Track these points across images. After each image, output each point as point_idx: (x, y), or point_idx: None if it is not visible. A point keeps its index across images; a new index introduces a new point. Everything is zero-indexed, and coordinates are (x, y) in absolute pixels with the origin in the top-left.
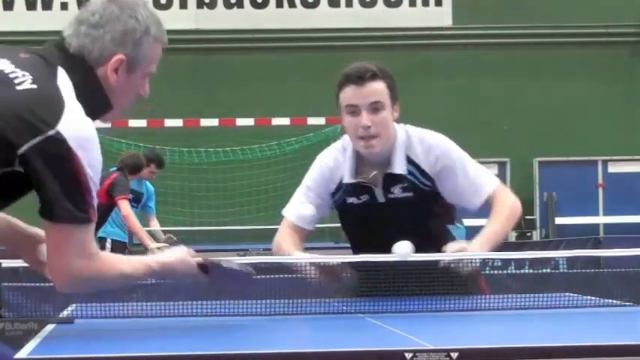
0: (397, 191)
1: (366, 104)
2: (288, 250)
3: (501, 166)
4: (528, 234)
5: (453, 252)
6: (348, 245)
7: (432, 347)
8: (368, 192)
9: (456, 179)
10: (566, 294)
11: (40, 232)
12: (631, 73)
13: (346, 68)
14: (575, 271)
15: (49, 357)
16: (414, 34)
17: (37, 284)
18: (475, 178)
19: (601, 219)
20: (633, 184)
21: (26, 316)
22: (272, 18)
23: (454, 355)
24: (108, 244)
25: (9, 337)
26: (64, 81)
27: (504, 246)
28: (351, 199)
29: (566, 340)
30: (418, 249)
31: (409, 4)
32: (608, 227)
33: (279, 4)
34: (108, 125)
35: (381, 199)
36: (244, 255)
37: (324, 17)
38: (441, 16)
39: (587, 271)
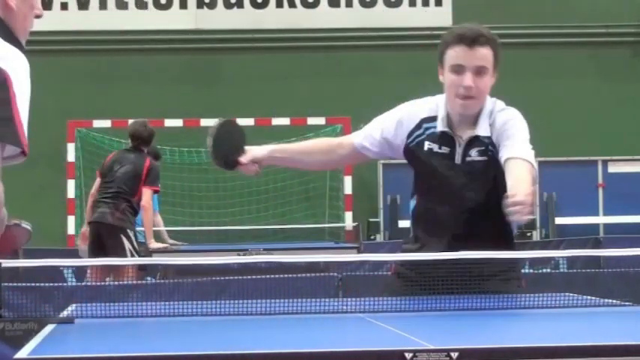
0: (474, 154)
1: (472, 66)
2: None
3: None
4: (528, 234)
5: (517, 202)
6: (349, 245)
7: (432, 347)
8: (451, 147)
9: (505, 134)
10: (566, 294)
11: None
12: (631, 73)
13: (457, 28)
14: (575, 271)
15: (49, 357)
16: (414, 34)
17: (37, 284)
18: (522, 143)
19: (601, 219)
20: (633, 184)
21: (26, 316)
22: (272, 18)
23: (454, 355)
24: None
25: (9, 337)
26: None
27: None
28: (432, 145)
29: (566, 340)
30: (474, 222)
31: (409, 4)
32: (608, 227)
33: (279, 4)
34: (108, 125)
35: (458, 159)
36: (244, 255)
37: (324, 17)
38: (441, 16)
39: (587, 271)
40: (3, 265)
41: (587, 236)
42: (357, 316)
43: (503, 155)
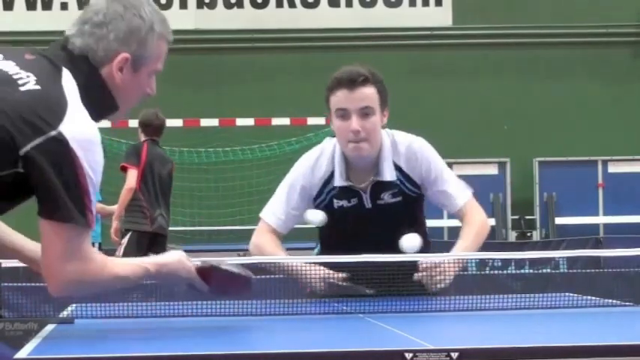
0: (387, 197)
1: (356, 109)
2: (274, 252)
3: (501, 166)
4: (528, 234)
5: (426, 269)
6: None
7: (432, 347)
8: (357, 197)
9: (436, 188)
10: (566, 294)
11: (26, 244)
12: (631, 73)
13: (337, 72)
14: (575, 271)
15: (49, 357)
16: (414, 34)
17: (37, 284)
18: (452, 189)
19: (601, 219)
20: (633, 184)
21: (26, 316)
22: (272, 18)
23: (454, 355)
24: (95, 248)
25: (9, 337)
26: (68, 82)
27: (504, 246)
28: (341, 202)
29: (566, 340)
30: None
31: (409, 4)
32: (608, 227)
33: (279, 4)
34: (108, 125)
35: (368, 204)
36: (244, 255)
37: (324, 17)
38: (441, 16)
39: (588, 271)
40: (3, 265)
41: (588, 236)
42: (357, 316)
43: (452, 206)
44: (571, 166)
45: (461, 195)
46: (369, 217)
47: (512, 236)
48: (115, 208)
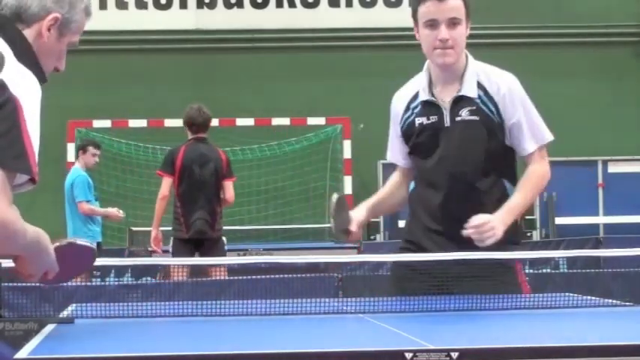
0: (465, 113)
1: (445, 19)
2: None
3: None
4: (528, 234)
5: (475, 226)
6: (348, 245)
7: (432, 347)
8: (438, 113)
9: (516, 113)
10: (566, 294)
11: None
12: (631, 73)
13: None
14: (575, 271)
15: (49, 357)
16: (414, 34)
17: (37, 284)
18: (536, 123)
19: (601, 219)
20: (633, 184)
21: (26, 316)
22: (272, 18)
23: (454, 355)
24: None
25: (9, 337)
26: (3, 47)
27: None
28: (421, 119)
29: (566, 340)
30: (475, 188)
31: (409, 4)
32: (608, 227)
33: (279, 4)
34: (108, 125)
35: (447, 122)
36: (244, 255)
37: (324, 17)
38: None
39: (587, 271)
40: (3, 265)
41: (588, 236)
42: (357, 316)
43: (527, 148)
44: (571, 166)
45: (533, 140)
46: (447, 134)
47: None
48: (107, 210)
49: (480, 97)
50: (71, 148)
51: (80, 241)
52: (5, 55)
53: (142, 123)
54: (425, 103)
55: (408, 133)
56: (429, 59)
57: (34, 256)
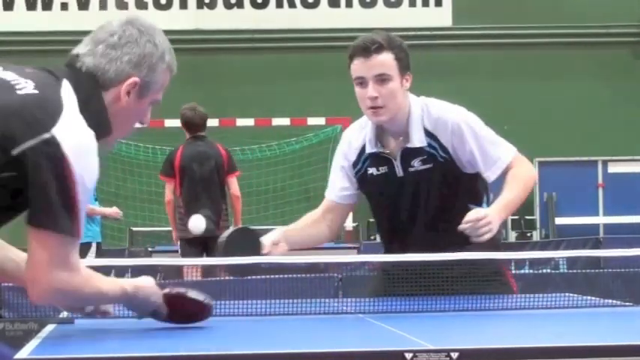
0: (417, 164)
1: (372, 76)
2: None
3: None
4: (528, 234)
5: (471, 221)
6: (348, 246)
7: (432, 347)
8: (387, 164)
9: (466, 149)
10: (566, 294)
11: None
12: (631, 73)
13: (355, 40)
14: (575, 271)
15: (49, 357)
16: (414, 34)
17: None
18: (491, 150)
19: (601, 219)
20: (633, 184)
21: (26, 316)
22: (272, 18)
23: (454, 355)
24: (93, 248)
25: (9, 337)
26: (68, 92)
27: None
28: (372, 170)
29: (566, 340)
30: (436, 226)
31: (409, 4)
32: (608, 227)
33: (279, 4)
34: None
35: (399, 172)
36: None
37: (324, 17)
38: (441, 16)
39: (587, 271)
40: None
41: (587, 236)
42: (357, 317)
43: (490, 176)
44: (571, 166)
45: (504, 154)
46: (401, 184)
47: (513, 236)
48: (105, 210)
49: (429, 144)
50: None
51: (192, 294)
52: (65, 104)
53: None
54: (372, 155)
55: (362, 182)
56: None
57: (128, 305)
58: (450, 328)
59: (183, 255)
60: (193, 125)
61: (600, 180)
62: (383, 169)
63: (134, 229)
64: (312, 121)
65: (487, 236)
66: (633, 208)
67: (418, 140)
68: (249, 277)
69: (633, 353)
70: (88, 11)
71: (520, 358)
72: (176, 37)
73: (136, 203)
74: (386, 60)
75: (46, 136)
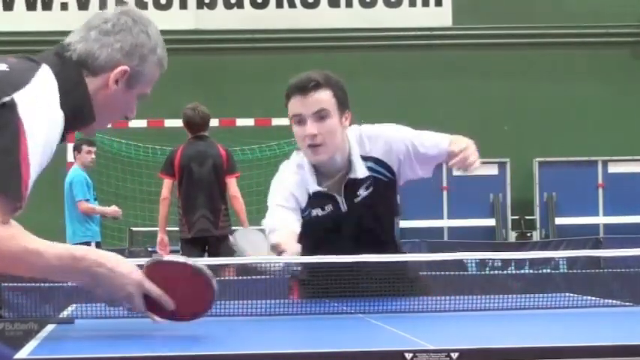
0: (361, 192)
1: (310, 113)
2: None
3: (501, 166)
4: (528, 234)
5: (459, 152)
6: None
7: (432, 347)
8: (332, 201)
9: (401, 153)
10: (566, 294)
11: None
12: (631, 73)
13: (292, 79)
14: (575, 271)
15: (49, 357)
16: (414, 34)
17: (37, 284)
18: (429, 148)
19: (601, 219)
20: (633, 184)
21: (26, 316)
22: (272, 18)
23: (454, 355)
24: (92, 247)
25: (9, 337)
26: (44, 74)
27: (504, 246)
28: (316, 211)
29: (566, 340)
30: (374, 247)
31: (409, 4)
32: (608, 227)
33: (279, 4)
34: (108, 125)
35: (344, 207)
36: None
37: (324, 17)
38: (441, 16)
39: (587, 271)
40: None
41: (588, 236)
42: (357, 317)
43: (439, 151)
44: (571, 166)
45: (441, 144)
46: (345, 219)
47: (512, 236)
48: (105, 209)
49: (370, 168)
50: (70, 148)
51: (170, 258)
52: (34, 80)
53: (141, 123)
54: (315, 194)
55: (307, 224)
56: (305, 156)
57: (88, 282)
58: (450, 328)
59: (185, 254)
60: (194, 125)
61: (600, 180)
62: (328, 208)
63: (134, 229)
64: None
65: (477, 164)
66: (633, 208)
67: (360, 170)
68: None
69: (633, 353)
70: (88, 11)
71: (520, 358)
72: (176, 37)
73: (136, 203)
74: (324, 97)
75: (6, 99)
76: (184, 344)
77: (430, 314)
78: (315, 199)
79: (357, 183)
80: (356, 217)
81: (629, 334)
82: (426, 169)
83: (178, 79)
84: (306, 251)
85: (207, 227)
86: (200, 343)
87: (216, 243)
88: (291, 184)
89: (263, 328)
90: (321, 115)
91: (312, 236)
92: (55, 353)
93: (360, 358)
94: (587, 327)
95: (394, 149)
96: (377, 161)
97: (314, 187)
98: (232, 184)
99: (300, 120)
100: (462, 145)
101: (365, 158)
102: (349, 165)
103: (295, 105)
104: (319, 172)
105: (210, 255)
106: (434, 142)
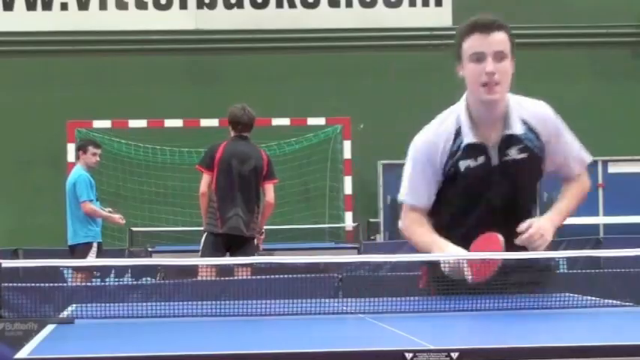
0: (513, 152)
1: (492, 52)
2: (422, 233)
3: None
4: None
5: (527, 235)
6: (349, 246)
7: (432, 347)
8: (484, 154)
9: (564, 144)
10: (566, 294)
11: None
12: (631, 73)
13: (469, 19)
14: (575, 271)
15: (49, 357)
16: (414, 34)
17: (37, 284)
18: (577, 146)
19: (601, 219)
20: (633, 184)
21: (26, 316)
22: (272, 18)
23: (454, 355)
24: (94, 248)
25: (9, 337)
26: None
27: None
28: (467, 162)
29: (566, 340)
30: (512, 221)
31: (409, 4)
32: (608, 227)
33: (279, 4)
34: (108, 125)
35: (494, 161)
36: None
37: (324, 17)
38: (441, 16)
39: (588, 271)
40: (3, 265)
41: (588, 236)
42: (357, 317)
43: (575, 169)
44: None
45: (579, 164)
46: (495, 174)
47: None
48: (113, 216)
49: (525, 133)
50: (71, 148)
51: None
52: None
53: (142, 123)
54: (470, 145)
55: (453, 178)
56: (473, 96)
57: None
58: (450, 328)
59: (204, 248)
60: (240, 124)
61: (600, 180)
62: (480, 160)
63: (134, 229)
64: (312, 121)
65: (542, 247)
66: (633, 208)
67: (517, 127)
68: (248, 277)
69: (633, 353)
70: (88, 11)
71: (520, 358)
72: (176, 37)
73: (136, 203)
74: (504, 38)
75: None
76: (184, 344)
77: (430, 314)
78: (468, 151)
79: (512, 141)
80: (505, 175)
81: (629, 334)
82: (549, 166)
83: (178, 80)
84: (447, 215)
85: (239, 226)
86: (200, 343)
87: (242, 244)
88: (420, 158)
89: (263, 328)
90: (501, 56)
91: (460, 194)
92: (55, 353)
93: (360, 358)
94: (587, 327)
95: (548, 126)
96: (531, 130)
97: (470, 138)
98: (270, 190)
99: (479, 57)
100: (535, 227)
101: (523, 122)
102: (504, 121)
103: (476, 43)
104: (475, 123)
105: (233, 255)
106: (578, 146)
